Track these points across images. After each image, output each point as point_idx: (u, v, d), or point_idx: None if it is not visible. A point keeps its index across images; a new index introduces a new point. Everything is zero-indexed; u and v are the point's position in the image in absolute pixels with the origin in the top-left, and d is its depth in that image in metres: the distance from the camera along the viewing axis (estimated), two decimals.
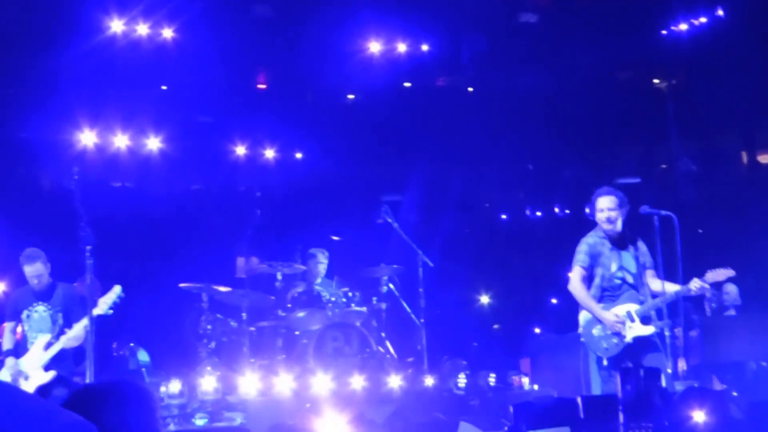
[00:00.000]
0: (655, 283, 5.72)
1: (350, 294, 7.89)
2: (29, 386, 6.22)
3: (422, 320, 7.66)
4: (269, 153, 10.73)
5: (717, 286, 6.87)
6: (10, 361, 6.35)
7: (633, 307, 5.66)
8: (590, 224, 6.02)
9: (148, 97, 9.66)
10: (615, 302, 5.71)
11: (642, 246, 5.83)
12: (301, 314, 7.69)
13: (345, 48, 10.11)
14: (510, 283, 11.73)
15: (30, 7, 8.44)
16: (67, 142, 9.20)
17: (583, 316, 5.80)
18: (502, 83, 10.79)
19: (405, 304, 8.15)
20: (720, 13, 10.30)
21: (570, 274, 5.89)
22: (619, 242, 5.81)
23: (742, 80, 9.98)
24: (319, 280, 8.35)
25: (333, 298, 7.79)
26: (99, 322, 6.25)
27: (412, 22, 10.14)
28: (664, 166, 11.88)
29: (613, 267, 5.74)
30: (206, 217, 10.02)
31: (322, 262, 8.40)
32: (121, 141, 9.62)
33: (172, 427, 6.16)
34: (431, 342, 7.67)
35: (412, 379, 7.37)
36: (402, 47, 10.45)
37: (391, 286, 8.12)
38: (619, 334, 5.60)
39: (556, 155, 11.56)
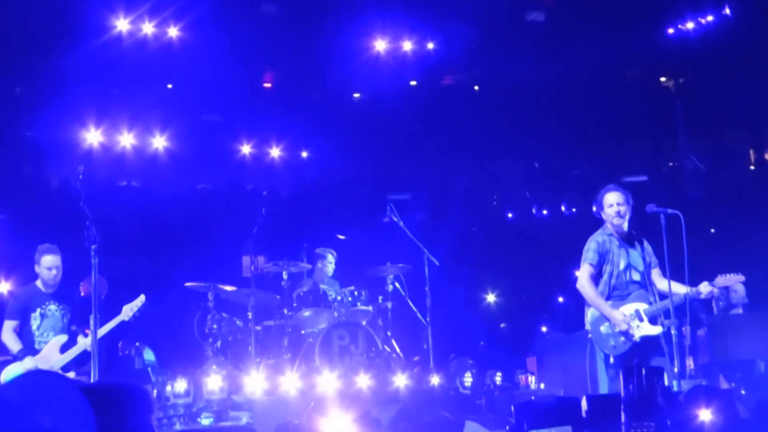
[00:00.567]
0: (661, 283, 5.71)
1: (356, 293, 7.88)
2: None
3: (428, 319, 7.65)
4: (275, 152, 10.74)
5: None
6: (29, 361, 6.31)
7: (642, 306, 5.64)
8: (597, 223, 6.00)
9: (154, 96, 9.67)
10: (624, 301, 5.70)
11: (647, 245, 5.82)
12: (307, 313, 7.69)
13: (351, 47, 10.11)
14: (516, 282, 11.71)
15: (36, 6, 8.46)
16: (73, 141, 9.22)
17: (590, 313, 5.78)
18: (509, 82, 10.76)
19: (411, 303, 8.14)
20: (727, 11, 10.26)
21: (578, 273, 5.87)
22: (627, 240, 5.80)
23: (749, 78, 9.94)
24: (325, 280, 8.35)
25: (339, 297, 7.78)
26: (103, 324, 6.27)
27: (418, 20, 10.12)
28: (671, 164, 11.84)
29: (622, 264, 5.73)
30: (212, 216, 10.03)
31: (330, 262, 8.40)
32: (127, 140, 9.64)
33: (177, 426, 6.16)
34: (437, 341, 7.65)
35: (418, 378, 7.35)
36: (408, 46, 10.44)
37: (397, 285, 8.10)
38: (626, 333, 5.58)
39: (563, 153, 11.54)
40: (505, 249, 11.32)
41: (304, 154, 10.99)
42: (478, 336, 10.68)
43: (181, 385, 6.33)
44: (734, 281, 5.64)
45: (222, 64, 9.51)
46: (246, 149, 10.55)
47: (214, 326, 7.45)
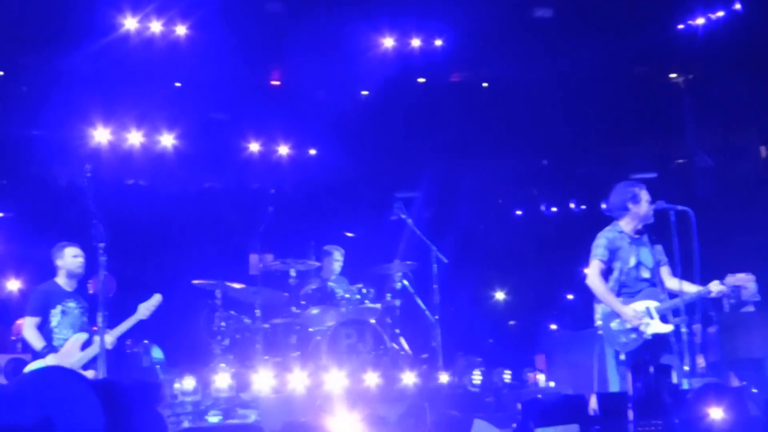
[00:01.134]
0: (670, 281, 5.68)
1: (364, 291, 7.87)
2: None
3: (436, 317, 7.63)
4: (283, 150, 10.73)
5: None
6: (52, 358, 6.31)
7: (652, 304, 5.61)
8: (606, 220, 5.97)
9: (162, 94, 9.68)
10: (634, 298, 5.67)
11: (657, 244, 5.79)
12: (314, 311, 7.68)
13: (358, 44, 10.08)
14: (525, 280, 11.67)
15: (44, 5, 8.47)
16: (81, 140, 9.23)
17: (600, 309, 5.75)
18: (517, 78, 10.72)
19: (419, 301, 8.12)
20: (737, 6, 10.18)
21: (587, 270, 5.84)
22: (638, 237, 5.77)
23: (759, 74, 9.86)
24: (333, 277, 8.34)
25: (347, 295, 7.77)
26: (113, 322, 6.28)
27: (425, 17, 10.09)
28: (680, 161, 11.76)
29: (632, 261, 5.70)
30: (220, 214, 10.03)
31: (338, 260, 8.39)
32: (134, 138, 9.65)
33: (186, 424, 6.16)
34: (446, 339, 7.63)
35: (426, 376, 7.34)
36: (415, 43, 10.41)
37: (405, 282, 8.08)
38: (637, 329, 5.55)
39: (571, 150, 11.48)
40: (513, 246, 11.28)
41: (312, 152, 10.98)
42: (486, 334, 10.65)
43: (189, 382, 6.35)
44: (745, 281, 5.60)
45: (229, 62, 9.51)
46: (253, 147, 10.55)
47: (222, 324, 7.45)
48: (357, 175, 10.92)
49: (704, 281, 5.60)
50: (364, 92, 11.10)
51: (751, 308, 8.04)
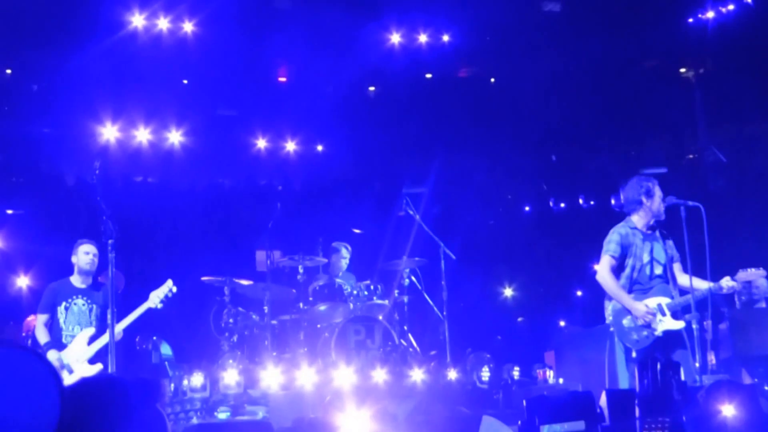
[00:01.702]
0: (682, 277, 5.63)
1: (372, 287, 7.85)
2: (73, 379, 6.25)
3: (445, 313, 7.61)
4: (290, 146, 10.72)
5: None
6: (53, 354, 6.34)
7: (664, 301, 5.56)
8: (615, 215, 5.92)
9: (170, 91, 9.68)
10: (646, 294, 5.62)
11: (669, 239, 5.74)
12: (322, 307, 7.67)
13: (366, 40, 10.05)
14: (534, 276, 11.63)
15: (53, 3, 8.49)
16: (90, 137, 9.25)
17: (611, 306, 5.70)
18: (526, 73, 10.67)
19: (427, 297, 8.10)
20: (748, 0, 10.10)
21: (597, 266, 5.80)
22: (651, 233, 5.72)
23: None
24: (341, 274, 8.33)
25: (355, 291, 7.75)
26: (121, 318, 6.30)
27: (433, 12, 10.05)
28: (691, 156, 11.69)
29: (645, 258, 5.65)
30: (227, 211, 10.04)
31: (345, 256, 8.38)
32: (143, 135, 9.66)
33: (194, 420, 6.17)
34: (454, 335, 7.61)
35: (434, 372, 7.32)
36: (423, 38, 10.37)
37: (414, 278, 8.07)
38: (649, 326, 5.50)
39: (580, 146, 11.42)
40: (522, 242, 11.24)
41: (319, 148, 10.96)
42: (495, 330, 10.62)
43: (197, 379, 6.35)
44: (756, 276, 5.55)
45: (237, 59, 9.50)
46: (261, 143, 10.54)
47: (231, 320, 7.45)
48: (364, 171, 10.90)
49: (715, 277, 5.56)
50: (372, 88, 11.07)
51: (762, 305, 7.98)
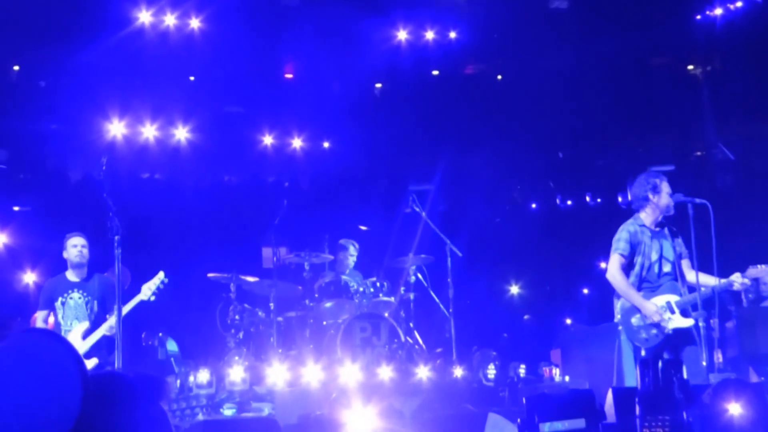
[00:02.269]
0: (689, 274, 5.60)
1: (378, 284, 7.85)
2: None
3: (451, 310, 7.60)
4: (297, 143, 10.72)
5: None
6: None
7: (673, 298, 5.52)
8: (622, 213, 5.90)
9: (176, 87, 9.69)
10: (654, 292, 5.58)
11: (678, 236, 5.71)
12: (328, 304, 7.67)
13: (373, 37, 10.04)
14: (540, 273, 11.60)
15: (60, 0, 8.51)
16: (97, 133, 9.27)
17: (620, 304, 5.67)
18: (533, 70, 10.63)
19: (433, 295, 8.09)
20: None
21: (606, 265, 5.77)
22: (660, 230, 5.69)
23: None
24: (347, 271, 8.33)
25: (361, 289, 7.75)
26: (129, 310, 6.30)
27: (439, 9, 10.03)
28: (699, 153, 11.64)
29: (654, 256, 5.61)
30: (234, 207, 10.04)
31: (352, 254, 8.37)
32: (149, 132, 9.67)
33: (200, 417, 6.18)
34: (460, 332, 7.60)
35: (440, 369, 7.31)
36: (430, 35, 10.35)
37: (420, 276, 8.06)
38: (658, 325, 5.46)
39: (587, 143, 11.39)
40: (528, 240, 11.21)
41: (326, 145, 10.96)
42: (501, 328, 10.60)
43: (203, 375, 6.35)
44: (766, 273, 5.52)
45: (243, 55, 9.50)
46: (268, 140, 10.54)
47: (237, 317, 7.46)
48: (371, 168, 10.89)
49: (722, 275, 5.53)
50: (379, 85, 11.06)
51: None
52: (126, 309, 6.39)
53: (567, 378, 7.70)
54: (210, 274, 7.64)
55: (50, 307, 6.57)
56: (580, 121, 10.86)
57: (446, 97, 10.74)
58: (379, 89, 11.02)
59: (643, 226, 5.67)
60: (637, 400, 4.21)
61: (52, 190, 9.33)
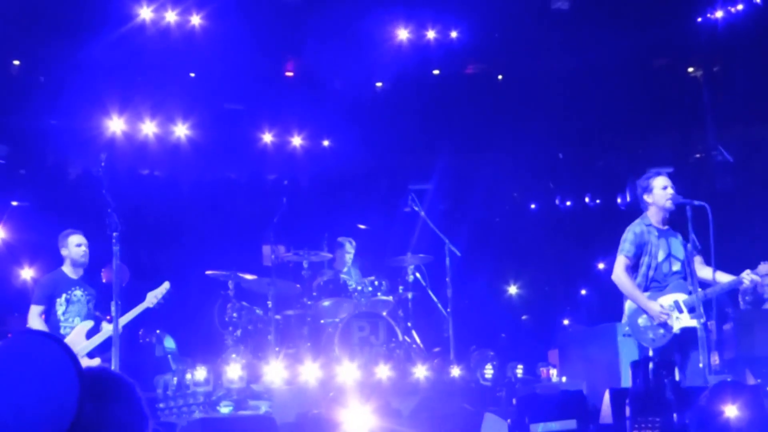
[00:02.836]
0: (703, 271, 5.53)
1: (376, 283, 7.84)
2: None
3: (449, 310, 7.59)
4: (297, 141, 10.71)
5: None
6: None
7: (681, 297, 5.47)
8: (622, 214, 5.90)
9: (177, 84, 9.68)
10: (662, 291, 5.54)
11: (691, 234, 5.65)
12: (327, 303, 7.66)
13: (374, 35, 10.03)
14: (539, 274, 11.60)
15: None
16: (96, 130, 9.26)
17: (627, 305, 5.64)
18: (533, 71, 10.63)
19: (432, 294, 8.08)
20: (758, 0, 10.04)
21: (604, 266, 5.77)
22: (668, 229, 5.66)
23: None
24: (345, 269, 8.32)
25: (359, 287, 7.75)
26: (125, 311, 6.29)
27: (441, 9, 10.02)
28: (698, 155, 11.64)
29: (661, 255, 5.58)
30: (233, 205, 10.03)
31: (349, 252, 8.36)
32: (149, 128, 9.66)
33: (197, 414, 6.18)
34: (458, 332, 7.60)
35: (438, 369, 7.31)
36: (431, 34, 10.35)
37: (418, 275, 8.05)
38: (666, 325, 5.43)
39: (587, 144, 11.39)
40: (527, 240, 11.21)
41: (326, 143, 10.96)
42: (499, 328, 10.60)
43: (200, 373, 6.35)
44: None
45: (244, 53, 9.49)
46: (267, 138, 10.54)
47: (234, 315, 7.45)
48: (371, 167, 10.89)
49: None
50: (379, 84, 11.05)
51: (767, 305, 7.94)
52: (130, 316, 6.41)
53: (564, 379, 7.70)
54: (208, 272, 7.63)
55: (49, 303, 6.52)
56: (580, 122, 10.87)
57: (447, 96, 10.73)
58: (380, 88, 11.02)
59: (650, 225, 5.64)
60: (627, 401, 4.21)
61: (52, 186, 9.32)
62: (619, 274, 5.58)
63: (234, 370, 6.43)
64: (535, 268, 11.51)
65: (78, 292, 6.55)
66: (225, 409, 6.14)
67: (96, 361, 6.34)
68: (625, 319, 5.68)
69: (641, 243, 5.59)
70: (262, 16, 9.44)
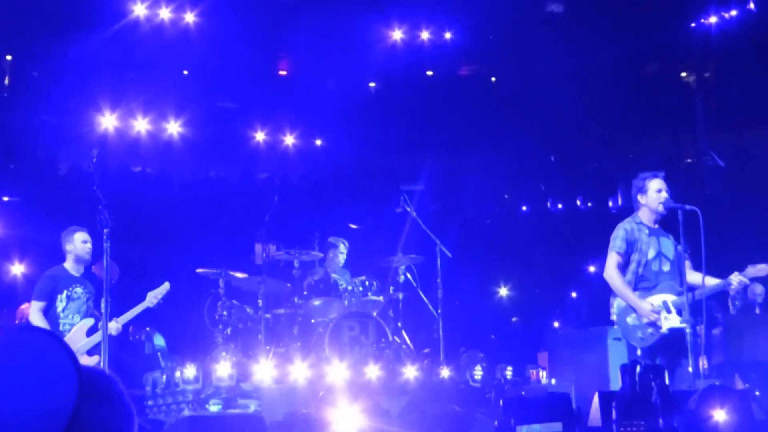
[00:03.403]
0: (693, 275, 5.55)
1: (367, 283, 7.83)
2: None
3: (439, 311, 7.59)
4: (289, 140, 10.70)
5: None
6: None
7: (670, 298, 5.47)
8: (613, 217, 5.90)
9: (170, 82, 9.66)
10: (651, 291, 5.54)
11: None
12: (317, 302, 7.65)
13: (368, 36, 10.04)
14: (529, 276, 11.63)
15: None
16: (89, 126, 9.23)
17: (616, 304, 5.63)
18: (526, 73, 10.66)
19: (422, 295, 8.08)
20: (751, 6, 10.09)
21: (595, 268, 5.78)
22: (659, 228, 5.67)
23: None
24: (336, 269, 8.31)
25: (350, 287, 7.73)
26: (117, 309, 6.27)
27: (435, 10, 10.04)
28: (689, 160, 11.69)
29: (651, 253, 5.57)
30: (225, 203, 10.02)
31: (342, 252, 8.34)
32: (141, 125, 9.64)
33: (186, 412, 6.16)
34: (448, 333, 7.60)
35: (428, 370, 7.31)
36: (425, 35, 10.36)
37: (409, 276, 8.05)
38: (654, 324, 5.43)
39: (579, 147, 11.42)
40: (518, 242, 11.24)
41: (318, 143, 10.95)
42: (489, 329, 10.61)
43: (190, 371, 6.33)
44: (765, 272, 5.45)
45: (238, 51, 9.48)
46: (260, 137, 10.53)
47: (225, 313, 7.43)
48: (363, 167, 10.89)
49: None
50: (372, 84, 11.06)
51: (756, 311, 7.99)
52: (130, 315, 6.40)
53: (553, 381, 7.71)
54: (199, 270, 7.61)
55: (49, 299, 6.45)
56: (572, 125, 10.90)
57: (440, 97, 10.75)
58: (373, 88, 11.03)
59: (641, 223, 5.64)
60: (614, 404, 4.21)
61: (43, 182, 9.29)
62: (611, 272, 5.57)
63: (223, 369, 6.41)
64: (525, 270, 11.54)
65: (79, 289, 6.52)
66: (214, 408, 6.12)
67: (95, 359, 6.31)
68: (614, 317, 5.67)
69: (632, 240, 5.58)
70: (256, 14, 9.43)
